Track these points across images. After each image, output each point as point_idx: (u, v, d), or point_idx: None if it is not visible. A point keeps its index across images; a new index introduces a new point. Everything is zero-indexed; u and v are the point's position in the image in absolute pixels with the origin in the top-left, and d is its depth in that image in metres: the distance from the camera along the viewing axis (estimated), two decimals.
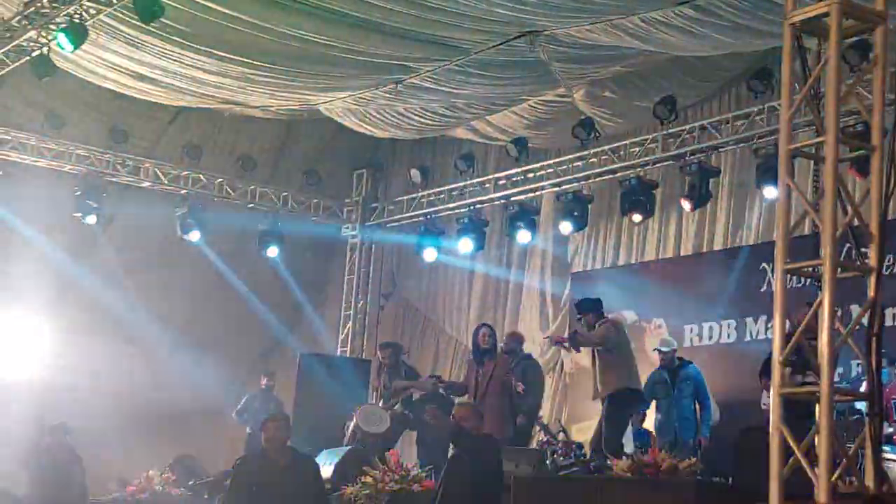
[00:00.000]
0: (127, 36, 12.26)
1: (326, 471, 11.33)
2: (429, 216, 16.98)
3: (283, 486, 8.31)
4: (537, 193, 15.81)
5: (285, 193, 17.89)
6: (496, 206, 16.40)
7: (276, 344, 17.99)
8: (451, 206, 16.89)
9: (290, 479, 8.36)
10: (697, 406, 12.00)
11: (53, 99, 15.19)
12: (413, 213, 17.59)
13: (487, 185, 16.50)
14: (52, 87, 14.28)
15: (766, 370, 10.79)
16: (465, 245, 15.90)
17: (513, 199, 15.86)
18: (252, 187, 17.52)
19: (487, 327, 12.83)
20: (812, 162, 7.25)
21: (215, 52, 12.52)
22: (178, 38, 12.17)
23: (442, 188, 17.11)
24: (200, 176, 17.05)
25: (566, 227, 14.79)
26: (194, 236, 16.53)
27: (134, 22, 11.58)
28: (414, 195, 17.56)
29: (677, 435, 11.59)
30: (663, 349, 12.33)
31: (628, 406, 11.18)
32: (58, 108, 15.33)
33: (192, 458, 14.11)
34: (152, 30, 11.77)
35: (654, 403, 12.20)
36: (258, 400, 15.12)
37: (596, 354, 11.22)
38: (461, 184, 16.70)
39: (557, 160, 15.57)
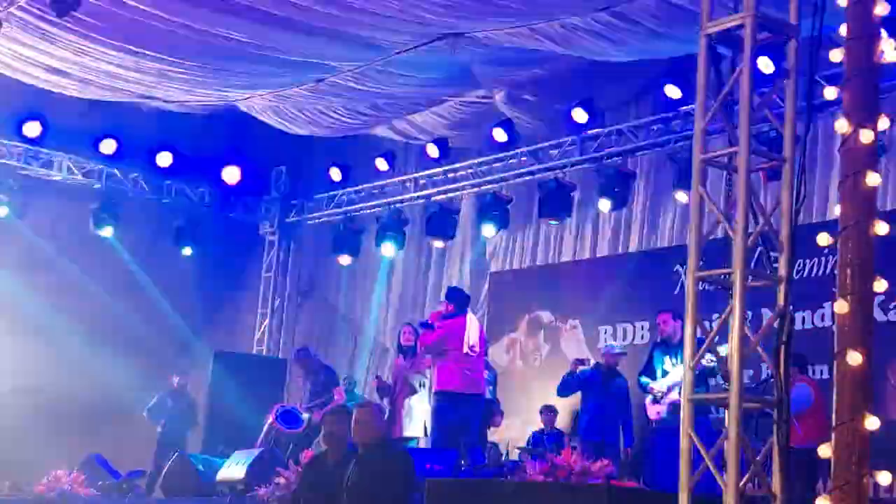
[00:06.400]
0: (40, 30, 12.02)
1: (239, 471, 11.26)
2: (348, 214, 16.94)
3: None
4: (457, 193, 15.86)
5: (202, 189, 17.69)
6: (416, 205, 16.41)
7: (191, 342, 17.79)
8: (370, 204, 16.86)
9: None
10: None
11: None
12: (332, 211, 17.53)
13: (408, 185, 16.50)
14: None
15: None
16: (387, 249, 15.93)
17: (433, 198, 15.88)
18: (168, 182, 17.30)
19: (409, 326, 12.79)
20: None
21: (131, 48, 12.33)
22: (92, 34, 11.96)
23: (362, 186, 17.07)
24: (115, 170, 16.80)
25: (486, 228, 14.88)
26: (107, 232, 16.31)
27: (48, 16, 11.35)
28: (333, 193, 17.49)
29: (603, 437, 11.59)
30: (614, 350, 12.32)
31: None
32: None
33: (102, 457, 13.92)
34: (67, 24, 11.55)
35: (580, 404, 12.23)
36: (170, 399, 14.94)
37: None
38: (381, 182, 16.68)
39: (477, 161, 15.63)
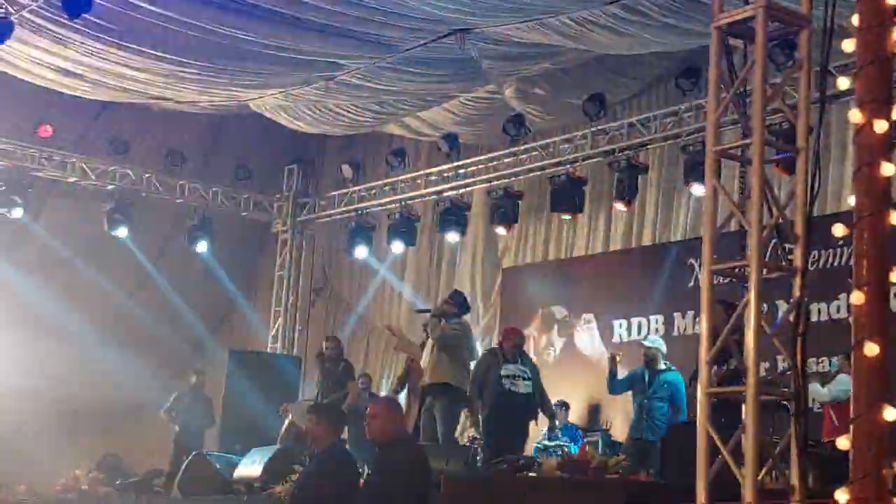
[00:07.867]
0: (53, 33, 12.06)
1: (255, 469, 11.28)
2: (360, 211, 16.95)
3: None
4: (468, 189, 15.84)
5: (215, 188, 17.73)
6: (427, 201, 16.40)
7: (206, 341, 17.85)
8: (382, 201, 16.86)
9: None
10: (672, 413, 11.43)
11: None
12: (344, 209, 17.53)
13: (418, 181, 16.49)
14: None
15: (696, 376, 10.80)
16: (399, 245, 15.94)
17: (444, 194, 15.87)
18: (181, 182, 17.34)
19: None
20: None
21: (143, 49, 12.36)
22: (104, 36, 11.99)
23: (373, 183, 17.08)
24: (128, 171, 16.84)
25: (498, 223, 14.84)
26: (121, 232, 16.35)
27: (60, 19, 11.38)
28: (345, 191, 17.50)
29: (644, 435, 11.26)
30: (647, 344, 11.90)
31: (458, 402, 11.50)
32: None
33: (119, 456, 13.98)
34: (78, 26, 11.59)
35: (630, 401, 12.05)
36: (187, 398, 14.98)
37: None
38: (392, 179, 16.68)
39: (488, 156, 15.60)
